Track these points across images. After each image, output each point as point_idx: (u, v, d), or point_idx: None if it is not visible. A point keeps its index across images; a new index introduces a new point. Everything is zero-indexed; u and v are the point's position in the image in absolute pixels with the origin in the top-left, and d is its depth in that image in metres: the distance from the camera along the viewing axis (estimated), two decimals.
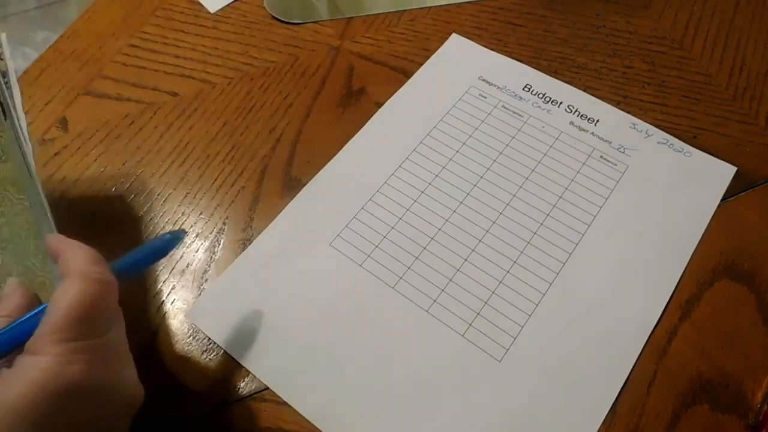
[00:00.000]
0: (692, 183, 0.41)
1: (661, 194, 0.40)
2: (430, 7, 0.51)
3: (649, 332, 0.35)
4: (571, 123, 0.44)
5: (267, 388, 0.34)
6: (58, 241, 0.28)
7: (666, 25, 0.49)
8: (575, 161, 0.42)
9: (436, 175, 0.41)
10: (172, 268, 0.39)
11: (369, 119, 0.44)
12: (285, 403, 0.33)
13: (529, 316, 0.36)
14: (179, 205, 0.41)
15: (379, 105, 0.45)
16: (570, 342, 0.35)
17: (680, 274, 0.37)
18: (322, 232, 0.39)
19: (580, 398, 0.33)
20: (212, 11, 0.52)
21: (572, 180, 0.41)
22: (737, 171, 0.41)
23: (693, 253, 0.38)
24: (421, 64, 0.47)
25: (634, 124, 0.43)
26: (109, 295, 0.27)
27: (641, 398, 0.33)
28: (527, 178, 0.41)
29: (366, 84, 0.47)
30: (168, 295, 0.38)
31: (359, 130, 0.44)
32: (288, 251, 0.39)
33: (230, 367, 0.35)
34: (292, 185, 0.42)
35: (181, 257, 0.39)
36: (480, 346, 0.35)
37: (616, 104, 0.45)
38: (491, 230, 0.39)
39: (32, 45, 1.45)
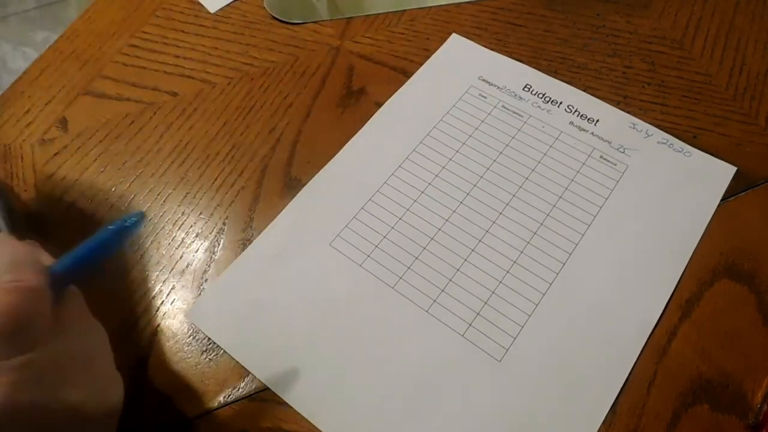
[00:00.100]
0: (692, 183, 0.41)
1: (661, 194, 0.40)
2: (430, 7, 0.51)
3: (649, 332, 0.35)
4: (571, 123, 0.44)
5: (267, 388, 0.34)
6: None
7: (666, 25, 0.49)
8: (575, 161, 0.42)
9: (436, 175, 0.41)
10: (172, 268, 0.39)
11: (369, 119, 0.44)
12: (285, 403, 0.33)
13: (529, 316, 0.36)
14: (179, 205, 0.41)
15: (379, 105, 0.45)
16: (570, 342, 0.35)
17: (680, 274, 0.37)
18: (322, 232, 0.39)
19: (580, 398, 0.33)
20: (212, 11, 0.52)
21: (572, 180, 0.41)
22: (737, 171, 0.41)
23: (693, 253, 0.38)
24: (421, 64, 0.47)
25: (634, 124, 0.43)
26: (34, 305, 0.23)
27: (641, 398, 0.33)
28: (527, 178, 0.41)
29: (366, 84, 0.47)
30: (168, 295, 0.38)
31: (359, 130, 0.44)
32: (288, 251, 0.39)
33: (230, 367, 0.35)
34: (292, 185, 0.42)
35: (181, 257, 0.39)
36: (480, 346, 0.35)
37: (616, 104, 0.45)
38: (491, 230, 0.39)
39: (32, 45, 1.45)
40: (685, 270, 0.37)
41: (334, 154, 0.43)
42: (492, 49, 0.48)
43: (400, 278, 0.37)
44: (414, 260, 0.38)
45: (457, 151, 0.42)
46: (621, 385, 0.33)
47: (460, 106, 0.45)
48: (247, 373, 0.35)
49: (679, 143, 0.42)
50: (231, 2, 0.53)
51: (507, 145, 0.43)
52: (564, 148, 0.42)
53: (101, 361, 0.26)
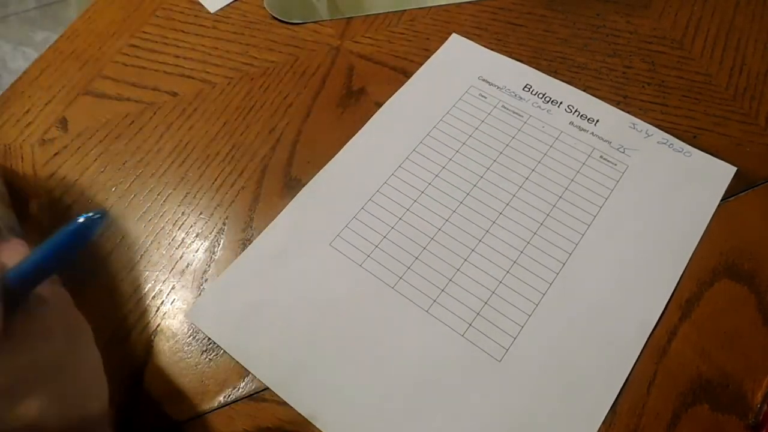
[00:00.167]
0: (692, 183, 0.41)
1: (661, 194, 0.40)
2: (430, 7, 0.51)
3: (649, 332, 0.35)
4: (571, 123, 0.44)
5: (267, 388, 0.34)
6: None
7: (666, 25, 0.49)
8: (575, 161, 0.42)
9: (436, 175, 0.41)
10: (172, 268, 0.39)
11: (369, 119, 0.44)
12: (285, 403, 0.33)
13: (529, 316, 0.36)
14: (179, 205, 0.41)
15: (379, 105, 0.45)
16: (570, 342, 0.35)
17: (680, 274, 0.37)
18: (322, 232, 0.39)
19: (580, 398, 0.33)
20: (212, 11, 0.52)
21: (572, 180, 0.41)
22: (737, 171, 0.41)
23: (693, 253, 0.38)
24: (421, 64, 0.47)
25: (634, 124, 0.43)
26: None
27: (641, 398, 0.33)
28: (527, 178, 0.41)
29: (366, 84, 0.47)
30: (168, 295, 0.38)
31: (359, 130, 0.44)
32: (288, 251, 0.39)
33: (230, 367, 0.35)
34: (292, 185, 0.42)
35: (181, 257, 0.39)
36: (480, 346, 0.35)
37: (616, 104, 0.45)
38: (491, 230, 0.39)
39: (32, 45, 1.45)
40: (685, 270, 0.37)
41: (334, 154, 0.43)
42: (492, 49, 0.48)
43: (400, 278, 0.37)
44: (414, 260, 0.38)
45: (457, 151, 0.42)
46: (621, 385, 0.33)
47: (460, 106, 0.45)
48: (247, 373, 0.35)
49: (679, 143, 0.42)
50: (231, 2, 0.53)
51: (507, 145, 0.43)
52: (564, 148, 0.42)
53: (74, 369, 0.25)
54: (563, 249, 0.38)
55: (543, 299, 0.36)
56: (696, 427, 0.32)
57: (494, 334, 0.35)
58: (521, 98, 0.45)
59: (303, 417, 0.33)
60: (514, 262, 0.38)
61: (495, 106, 0.45)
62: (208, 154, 0.44)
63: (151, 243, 0.40)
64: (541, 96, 0.45)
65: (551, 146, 0.43)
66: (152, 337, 0.36)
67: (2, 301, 0.22)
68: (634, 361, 0.34)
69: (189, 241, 0.40)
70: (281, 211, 0.40)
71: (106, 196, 0.42)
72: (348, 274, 0.37)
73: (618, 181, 0.41)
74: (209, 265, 0.39)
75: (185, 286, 0.38)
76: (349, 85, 0.47)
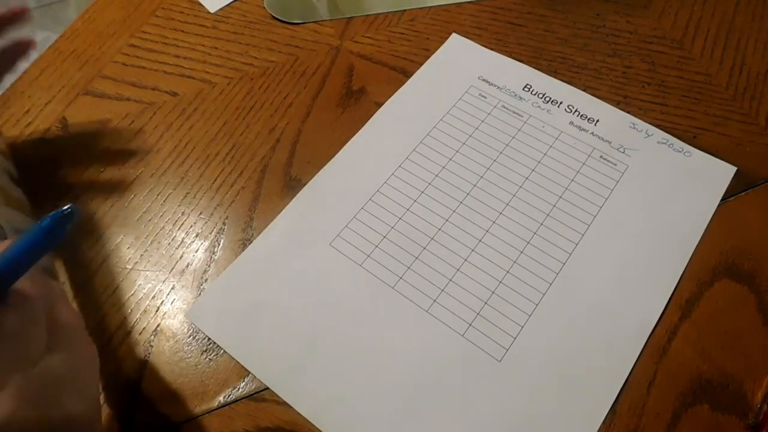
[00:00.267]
0: (692, 183, 0.41)
1: (661, 194, 0.40)
2: (430, 7, 0.51)
3: (649, 332, 0.35)
4: (571, 123, 0.44)
5: (267, 388, 0.34)
6: None
7: (666, 25, 0.49)
8: (575, 161, 0.42)
9: (436, 175, 0.41)
10: (172, 268, 0.39)
11: (369, 119, 0.44)
12: (285, 403, 0.33)
13: (529, 316, 0.36)
14: (179, 205, 0.41)
15: (379, 105, 0.45)
16: (570, 342, 0.35)
17: (680, 274, 0.37)
18: (322, 232, 0.39)
19: (580, 398, 0.33)
20: (212, 11, 0.52)
21: (572, 180, 0.41)
22: (737, 171, 0.41)
23: (693, 253, 0.38)
24: (421, 64, 0.47)
25: (634, 124, 0.43)
26: None
27: (641, 398, 0.33)
28: (527, 178, 0.41)
29: (366, 84, 0.47)
30: (168, 295, 0.38)
31: (359, 130, 0.44)
32: (288, 251, 0.39)
33: (230, 367, 0.35)
34: (292, 185, 0.42)
35: (181, 257, 0.39)
36: (480, 346, 0.35)
37: (616, 104, 0.45)
38: (491, 230, 0.39)
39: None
40: (685, 270, 0.37)
41: (334, 154, 0.43)
42: (492, 49, 0.48)
43: (400, 278, 0.37)
44: (414, 260, 0.38)
45: (457, 151, 0.42)
46: (621, 385, 0.33)
47: (460, 106, 0.45)
48: (247, 373, 0.35)
49: (679, 143, 0.42)
50: (231, 2, 0.53)
51: (507, 145, 0.43)
52: (564, 148, 0.42)
53: (56, 366, 0.24)
54: (563, 249, 0.38)
55: (543, 299, 0.36)
56: (696, 427, 0.32)
57: (494, 334, 0.35)
58: (521, 98, 0.45)
59: (303, 417, 0.33)
60: (514, 262, 0.38)
61: (495, 106, 0.45)
62: (208, 154, 0.44)
63: (151, 243, 0.40)
64: (541, 96, 0.45)
65: (551, 146, 0.42)
66: (152, 337, 0.36)
67: None
68: (634, 361, 0.34)
69: (189, 241, 0.40)
70: (281, 211, 0.40)
71: (107, 196, 0.42)
72: (348, 274, 0.37)
73: (618, 181, 0.41)
74: (209, 265, 0.39)
75: (185, 286, 0.38)
76: (349, 85, 0.47)
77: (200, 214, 0.41)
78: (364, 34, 0.50)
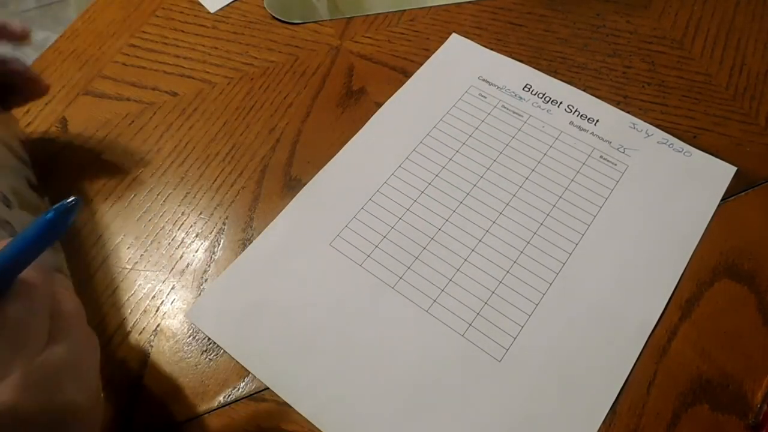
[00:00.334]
0: (692, 183, 0.41)
1: (661, 194, 0.40)
2: (430, 7, 0.51)
3: (649, 332, 0.35)
4: (571, 123, 0.44)
5: (267, 388, 0.34)
6: None
7: (666, 25, 0.49)
8: (575, 161, 0.42)
9: (436, 175, 0.41)
10: (172, 268, 0.39)
11: (369, 119, 0.44)
12: (285, 403, 0.33)
13: (529, 316, 0.36)
14: (179, 205, 0.41)
15: (379, 105, 0.45)
16: (570, 342, 0.35)
17: (680, 274, 0.37)
18: (322, 232, 0.39)
19: (580, 398, 0.33)
20: (212, 11, 0.52)
21: (572, 180, 0.41)
22: (737, 171, 0.41)
23: (693, 253, 0.38)
24: (421, 64, 0.47)
25: (634, 124, 0.43)
26: None
27: (641, 398, 0.33)
28: (527, 178, 0.41)
29: (366, 84, 0.47)
30: (168, 295, 0.38)
31: (359, 130, 0.44)
32: (288, 251, 0.39)
33: (230, 367, 0.35)
34: (292, 185, 0.42)
35: (181, 257, 0.39)
36: (480, 346, 0.35)
37: (616, 104, 0.45)
38: (491, 230, 0.39)
39: (32, 45, 1.44)
40: (685, 270, 0.37)
41: (334, 154, 0.43)
42: (492, 49, 0.48)
43: (400, 278, 0.37)
44: (414, 260, 0.38)
45: (457, 151, 0.42)
46: (621, 385, 0.33)
47: (460, 106, 0.45)
48: (247, 373, 0.35)
49: (679, 143, 0.42)
50: (231, 2, 0.53)
51: (507, 145, 0.43)
52: (564, 148, 0.42)
53: (58, 355, 0.24)
54: (563, 249, 0.38)
55: (543, 299, 0.36)
56: (696, 427, 0.32)
57: (494, 334, 0.35)
58: (521, 98, 0.45)
59: (303, 417, 0.33)
60: (514, 262, 0.38)
61: (495, 106, 0.45)
62: (208, 154, 0.44)
63: (151, 243, 0.40)
64: (541, 96, 0.45)
65: (551, 146, 0.42)
66: (152, 337, 0.36)
67: None
68: (634, 361, 0.34)
69: (189, 241, 0.40)
70: (281, 211, 0.40)
71: (106, 196, 0.42)
72: (348, 274, 0.37)
73: (618, 181, 0.41)
74: (209, 265, 0.39)
75: (185, 286, 0.38)
76: (349, 85, 0.47)
77: (200, 214, 0.41)
78: (364, 34, 0.50)
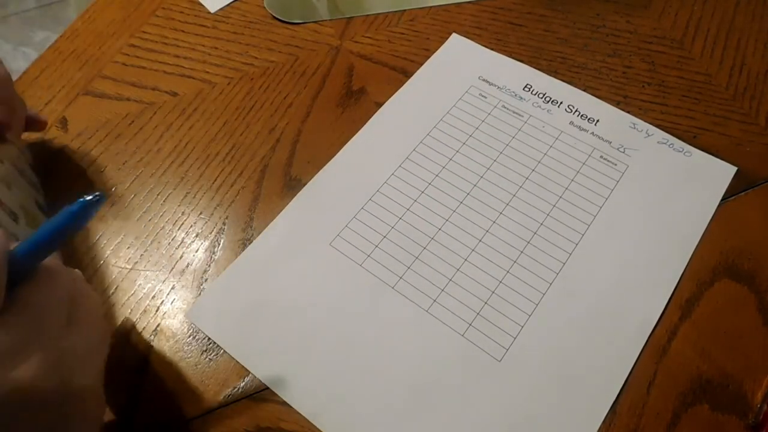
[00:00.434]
0: (692, 183, 0.41)
1: (661, 194, 0.40)
2: (430, 7, 0.51)
3: (649, 332, 0.35)
4: (571, 123, 0.44)
5: (267, 388, 0.34)
6: None
7: (666, 25, 0.49)
8: (575, 161, 0.42)
9: (436, 175, 0.41)
10: (172, 268, 0.39)
11: (369, 119, 0.44)
12: (285, 403, 0.33)
13: (529, 316, 0.36)
14: (179, 205, 0.41)
15: (379, 105, 0.45)
16: (570, 342, 0.35)
17: (680, 274, 0.37)
18: (322, 232, 0.39)
19: (580, 398, 0.33)
20: (212, 11, 0.52)
21: (572, 180, 0.41)
22: (737, 171, 0.41)
23: (693, 253, 0.38)
24: (421, 64, 0.47)
25: (634, 124, 0.43)
26: None
27: (641, 398, 0.33)
28: (527, 178, 0.41)
29: (366, 84, 0.47)
30: (168, 294, 0.38)
31: (359, 130, 0.44)
32: (288, 251, 0.39)
33: (230, 367, 0.35)
34: (292, 185, 0.42)
35: (181, 257, 0.39)
36: (480, 346, 0.35)
37: (616, 104, 0.45)
38: (491, 230, 0.39)
39: (32, 45, 1.45)
40: (685, 270, 0.37)
41: (334, 154, 0.43)
42: (492, 49, 0.48)
43: (400, 278, 0.37)
44: (414, 260, 0.38)
45: (458, 151, 0.42)
46: (621, 385, 0.33)
47: (460, 106, 0.45)
48: (247, 373, 0.35)
49: (679, 143, 0.42)
50: (231, 2, 0.53)
51: (507, 145, 0.43)
52: (564, 148, 0.42)
53: (74, 338, 0.26)
54: (563, 249, 0.38)
55: (543, 299, 0.36)
56: (696, 427, 0.32)
57: (494, 334, 0.35)
58: (521, 98, 0.45)
59: (303, 417, 0.33)
60: (514, 262, 0.38)
61: (495, 106, 0.45)
62: (208, 154, 0.44)
63: (151, 243, 0.40)
64: (541, 96, 0.45)
65: (551, 146, 0.43)
66: (152, 337, 0.36)
67: (5, 273, 0.23)
68: (634, 361, 0.34)
69: (189, 241, 0.40)
70: (281, 211, 0.40)
71: (106, 196, 0.42)
72: (348, 274, 0.37)
73: (618, 181, 0.41)
74: (209, 265, 0.39)
75: (185, 286, 0.38)
76: (349, 85, 0.47)
77: (200, 214, 0.41)
78: (364, 34, 0.50)
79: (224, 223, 0.40)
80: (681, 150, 0.42)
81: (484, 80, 0.46)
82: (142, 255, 0.39)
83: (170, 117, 0.46)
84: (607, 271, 0.37)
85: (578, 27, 0.50)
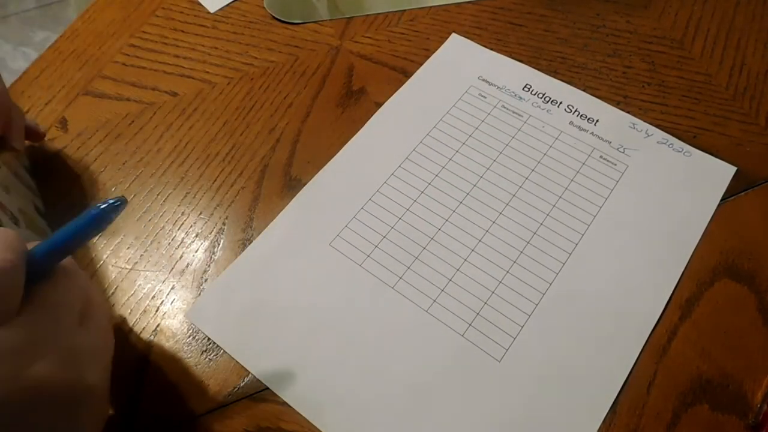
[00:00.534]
0: (692, 183, 0.41)
1: (661, 194, 0.40)
2: (430, 7, 0.51)
3: (649, 332, 0.35)
4: (571, 123, 0.44)
5: (267, 388, 0.34)
6: None
7: (666, 25, 0.49)
8: (575, 161, 0.42)
9: (436, 175, 0.41)
10: (172, 268, 0.39)
11: (369, 119, 0.44)
12: (285, 403, 0.33)
13: (529, 316, 0.36)
14: (179, 205, 0.41)
15: (379, 105, 0.45)
16: (570, 342, 0.35)
17: (680, 274, 0.37)
18: (322, 232, 0.39)
19: (580, 398, 0.33)
20: (212, 11, 0.52)
21: (572, 180, 0.41)
22: (737, 171, 0.41)
23: (693, 253, 0.38)
24: (421, 64, 0.47)
25: (633, 124, 0.43)
26: (9, 278, 0.23)
27: (641, 398, 0.33)
28: (527, 178, 0.41)
29: (366, 84, 0.47)
30: (167, 295, 0.38)
31: (359, 130, 0.44)
32: (288, 251, 0.39)
33: (230, 367, 0.35)
34: (292, 185, 0.42)
35: (181, 257, 0.39)
36: (480, 346, 0.35)
37: (616, 104, 0.45)
38: (491, 230, 0.39)
39: (32, 45, 1.45)
40: (685, 270, 0.37)
41: (334, 154, 0.43)
42: (492, 49, 0.48)
43: (400, 278, 0.37)
44: (414, 260, 0.38)
45: (457, 151, 0.42)
46: (621, 385, 0.33)
47: (460, 106, 0.45)
48: (247, 373, 0.35)
49: (679, 143, 0.42)
50: (231, 2, 0.53)
51: (507, 145, 0.43)
52: (564, 148, 0.42)
53: (86, 338, 0.26)
54: (563, 249, 0.38)
55: (543, 299, 0.36)
56: (696, 427, 0.32)
57: (494, 334, 0.35)
58: (521, 98, 0.45)
59: (303, 417, 0.33)
60: (514, 262, 0.38)
61: (495, 106, 0.45)
62: (208, 154, 0.44)
63: (151, 243, 0.40)
64: (541, 96, 0.45)
65: (551, 146, 0.43)
66: (152, 337, 0.36)
67: (23, 273, 0.24)
68: (634, 360, 0.34)
69: (189, 241, 0.40)
70: (281, 211, 0.40)
71: (106, 196, 0.42)
72: (348, 274, 0.37)
73: (618, 181, 0.41)
74: (209, 265, 0.39)
75: (185, 286, 0.38)
76: (349, 85, 0.47)
77: (200, 214, 0.41)
78: (364, 34, 0.50)
79: (224, 223, 0.40)
80: (681, 150, 0.42)
81: (483, 80, 0.46)
82: (141, 255, 0.39)
83: (170, 117, 0.46)
84: (607, 271, 0.37)
85: (578, 27, 0.50)
